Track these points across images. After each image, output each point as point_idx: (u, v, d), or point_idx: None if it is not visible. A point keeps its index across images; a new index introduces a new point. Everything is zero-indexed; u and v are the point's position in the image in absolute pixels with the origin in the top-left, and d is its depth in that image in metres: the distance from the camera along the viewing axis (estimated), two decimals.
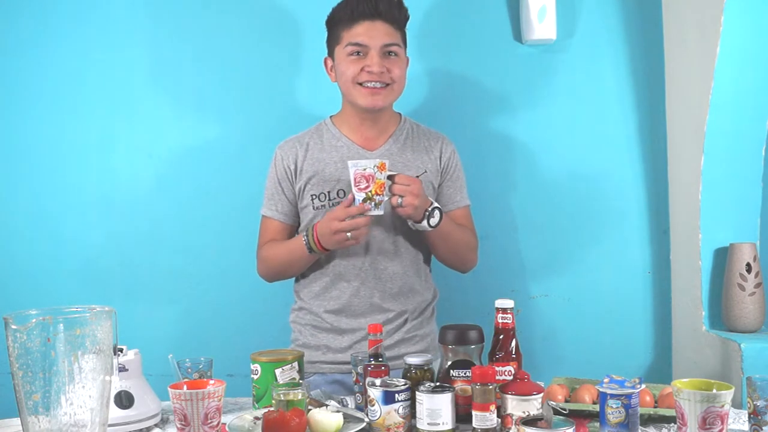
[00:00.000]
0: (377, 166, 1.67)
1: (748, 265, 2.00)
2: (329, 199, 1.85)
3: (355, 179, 1.68)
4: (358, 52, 1.77)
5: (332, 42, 1.84)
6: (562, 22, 2.26)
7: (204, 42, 2.33)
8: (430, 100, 2.29)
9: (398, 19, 1.81)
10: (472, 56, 2.31)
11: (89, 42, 2.32)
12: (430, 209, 1.74)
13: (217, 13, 2.32)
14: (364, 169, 1.67)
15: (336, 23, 1.81)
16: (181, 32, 2.33)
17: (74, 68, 2.32)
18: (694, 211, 2.10)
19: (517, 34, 2.30)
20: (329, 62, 1.87)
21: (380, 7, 1.76)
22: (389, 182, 1.70)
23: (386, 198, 1.70)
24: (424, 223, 1.74)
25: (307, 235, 1.79)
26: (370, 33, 1.76)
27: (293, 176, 1.88)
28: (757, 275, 2.00)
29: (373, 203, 1.68)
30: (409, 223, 1.78)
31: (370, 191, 1.67)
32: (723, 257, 2.06)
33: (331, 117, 1.94)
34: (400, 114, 1.97)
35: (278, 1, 2.31)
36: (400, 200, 1.69)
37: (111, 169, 2.34)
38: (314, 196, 1.86)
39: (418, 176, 1.81)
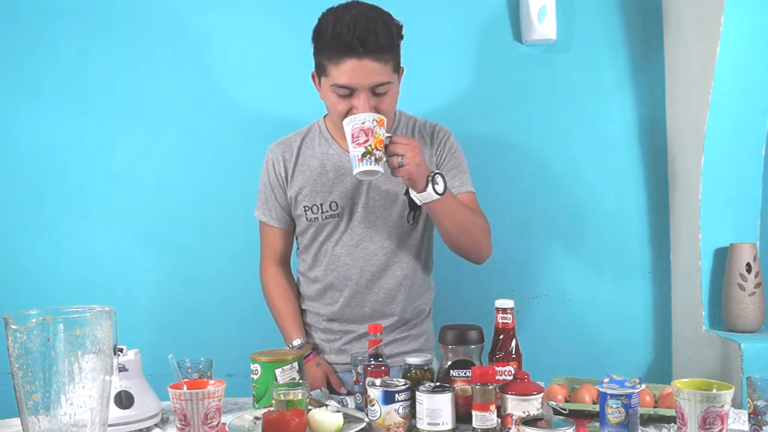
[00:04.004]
0: (376, 120, 1.55)
1: (748, 265, 2.00)
2: (322, 212, 1.81)
3: (352, 135, 1.55)
4: (344, 94, 1.64)
5: (319, 69, 1.69)
6: (562, 22, 2.26)
7: (204, 42, 2.33)
8: (429, 100, 2.29)
9: (389, 49, 1.64)
10: (472, 56, 2.31)
11: (90, 42, 2.32)
12: (432, 175, 1.59)
13: (218, 14, 2.32)
14: (363, 123, 1.55)
15: (321, 50, 1.65)
16: (181, 32, 2.33)
17: (74, 68, 2.32)
18: (694, 211, 2.10)
19: (517, 34, 2.30)
20: (316, 78, 1.73)
21: (369, 44, 1.59)
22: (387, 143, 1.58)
23: (385, 158, 1.56)
24: (429, 189, 1.59)
25: (297, 346, 1.84)
26: (358, 73, 1.60)
27: (285, 183, 1.85)
28: (757, 275, 2.00)
29: (372, 158, 1.54)
30: (413, 197, 1.63)
31: (370, 145, 1.54)
32: (723, 257, 2.06)
33: (324, 117, 1.88)
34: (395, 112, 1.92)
35: (278, 1, 2.32)
36: (401, 159, 1.55)
37: (111, 169, 2.34)
38: (307, 208, 1.82)
39: None
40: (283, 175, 1.85)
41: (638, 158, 2.30)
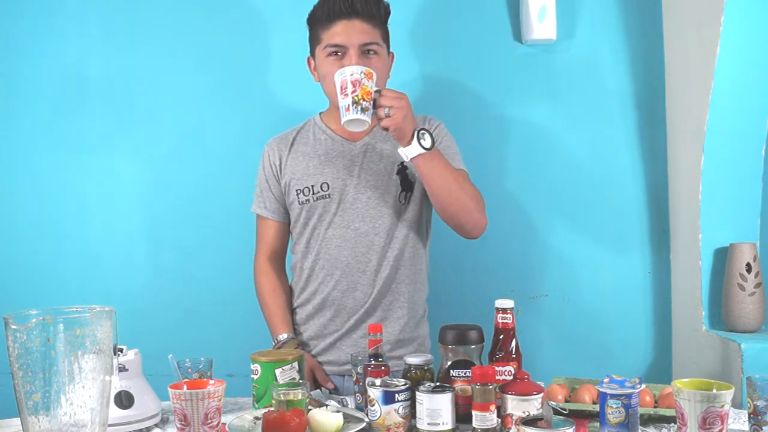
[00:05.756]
0: (364, 73, 1.60)
1: (748, 265, 2.00)
2: (313, 193, 1.83)
3: (341, 86, 1.60)
4: (336, 53, 1.74)
5: (313, 42, 1.81)
6: (562, 22, 2.26)
7: (203, 43, 2.33)
8: (429, 100, 2.29)
9: (377, 15, 1.76)
10: (471, 56, 2.31)
11: (89, 42, 2.33)
12: (419, 130, 1.63)
13: (217, 14, 2.32)
14: (351, 74, 1.60)
15: (315, 22, 1.78)
16: (180, 33, 2.33)
17: (74, 68, 2.33)
18: (694, 211, 2.10)
19: (517, 34, 2.30)
20: (312, 62, 1.85)
21: (357, 5, 1.72)
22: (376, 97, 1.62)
23: (372, 110, 1.60)
24: (415, 143, 1.62)
25: (282, 341, 1.84)
26: (348, 32, 1.72)
27: (278, 172, 1.89)
28: (757, 275, 2.00)
29: (359, 107, 1.58)
30: (402, 154, 1.65)
31: (357, 95, 1.59)
32: (723, 257, 2.06)
33: (320, 113, 1.93)
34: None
35: (274, 0, 2.32)
36: (387, 110, 1.59)
37: (111, 169, 2.34)
38: (299, 191, 1.85)
39: (403, 163, 1.80)
40: (277, 164, 1.89)
41: (638, 158, 2.30)
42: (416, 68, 2.28)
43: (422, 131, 1.63)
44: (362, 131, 1.70)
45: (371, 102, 1.60)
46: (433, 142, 1.66)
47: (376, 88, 1.62)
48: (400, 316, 1.85)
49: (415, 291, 1.87)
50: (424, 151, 1.63)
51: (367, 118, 1.60)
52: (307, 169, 1.85)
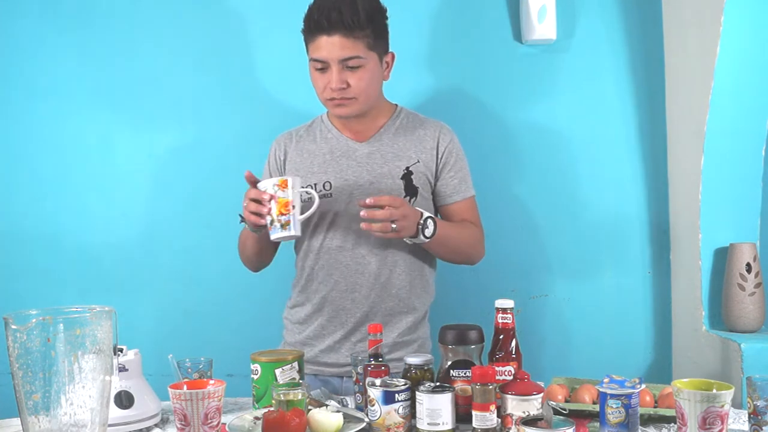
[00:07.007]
0: (277, 185, 1.61)
1: (748, 265, 2.00)
2: (315, 192, 1.80)
3: (262, 202, 1.63)
4: (320, 68, 1.75)
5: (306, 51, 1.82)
6: (562, 22, 2.26)
7: (203, 43, 2.33)
8: (429, 100, 2.29)
9: (357, 26, 1.70)
10: (472, 56, 2.31)
11: (89, 42, 2.33)
12: (422, 221, 1.70)
13: (217, 15, 2.32)
14: (265, 189, 1.62)
15: (304, 33, 1.78)
16: (181, 33, 2.33)
17: (75, 68, 2.33)
18: (694, 211, 2.10)
19: (517, 34, 2.30)
20: None
21: (333, 19, 1.69)
22: (374, 209, 1.65)
23: (296, 218, 1.62)
24: (420, 236, 1.71)
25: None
26: (328, 48, 1.71)
27: (282, 166, 1.90)
28: (757, 275, 2.00)
29: (279, 225, 1.61)
30: (406, 240, 1.75)
31: (274, 212, 1.61)
32: (723, 257, 2.06)
33: (327, 112, 1.93)
34: (396, 105, 1.92)
35: (276, 2, 2.31)
36: (394, 225, 1.64)
37: (111, 169, 2.34)
38: (301, 188, 1.84)
39: (408, 167, 1.81)
40: (282, 158, 1.91)
41: (638, 158, 2.30)
42: (416, 69, 2.28)
43: (426, 220, 1.71)
44: (367, 135, 1.79)
45: (290, 213, 1.61)
46: (435, 228, 1.73)
47: (308, 195, 1.69)
48: (399, 321, 1.84)
49: (416, 296, 1.87)
50: (425, 240, 1.73)
51: (288, 232, 1.61)
52: (311, 167, 1.85)
